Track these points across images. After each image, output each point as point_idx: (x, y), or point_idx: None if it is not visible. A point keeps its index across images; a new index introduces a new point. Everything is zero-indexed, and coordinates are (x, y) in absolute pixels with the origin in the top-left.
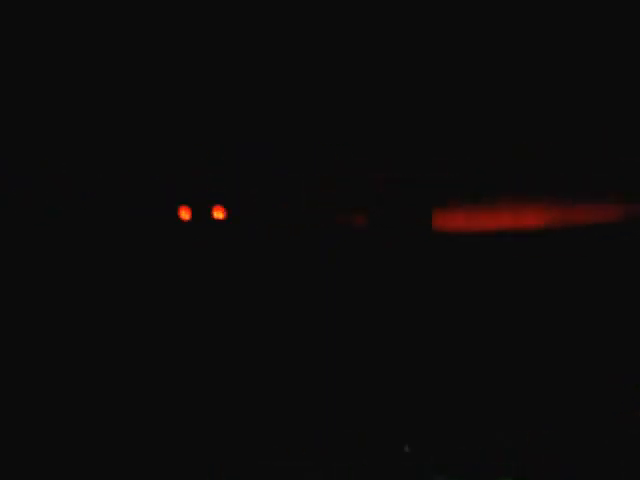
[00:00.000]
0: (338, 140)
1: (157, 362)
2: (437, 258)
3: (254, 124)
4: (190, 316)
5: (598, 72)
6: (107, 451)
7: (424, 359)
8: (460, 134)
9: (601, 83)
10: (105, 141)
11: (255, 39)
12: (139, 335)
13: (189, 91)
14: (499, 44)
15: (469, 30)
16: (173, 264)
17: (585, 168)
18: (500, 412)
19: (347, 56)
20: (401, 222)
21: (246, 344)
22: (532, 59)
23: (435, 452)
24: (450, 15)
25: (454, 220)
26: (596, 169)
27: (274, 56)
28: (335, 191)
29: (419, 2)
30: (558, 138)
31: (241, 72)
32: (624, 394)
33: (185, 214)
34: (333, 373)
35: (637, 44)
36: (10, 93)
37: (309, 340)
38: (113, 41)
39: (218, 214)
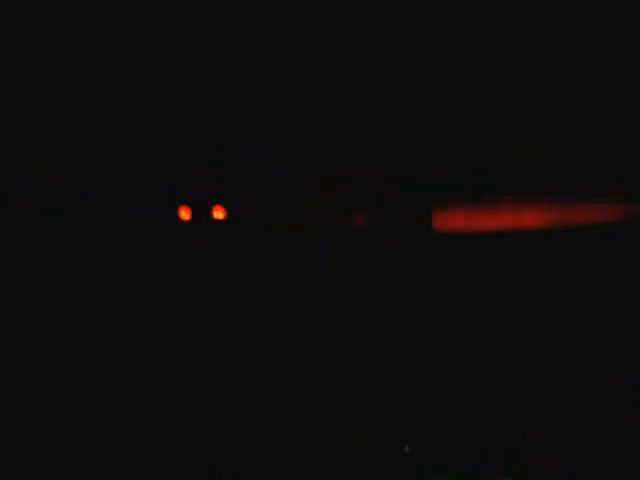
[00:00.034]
0: (338, 140)
1: (157, 362)
2: (437, 258)
3: (254, 124)
4: (190, 316)
5: (598, 72)
6: (107, 451)
7: (424, 359)
8: (460, 134)
9: (601, 83)
10: (105, 141)
11: (255, 39)
12: (139, 335)
13: (189, 91)
14: (499, 44)
15: (469, 30)
16: (173, 264)
17: (585, 168)
18: (500, 412)
19: (347, 56)
20: (401, 222)
21: (246, 344)
22: (532, 59)
23: (435, 452)
24: (450, 15)
25: (454, 220)
26: (596, 169)
27: (274, 56)
28: (335, 191)
29: (419, 2)
30: (558, 138)
31: (241, 72)
32: (624, 394)
33: (185, 214)
34: (333, 373)
35: (637, 44)
36: (10, 93)
37: (309, 340)
38: (113, 41)
39: (218, 214)
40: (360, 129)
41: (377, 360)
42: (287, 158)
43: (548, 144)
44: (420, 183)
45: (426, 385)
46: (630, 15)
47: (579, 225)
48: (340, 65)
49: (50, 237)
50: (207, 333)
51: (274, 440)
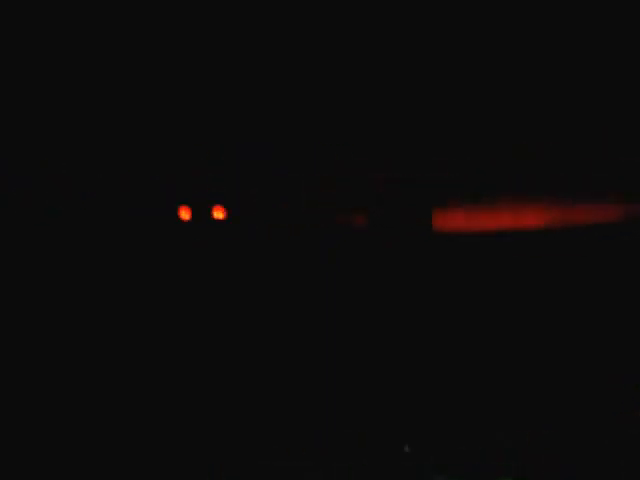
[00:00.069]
0: (338, 140)
1: (157, 362)
2: (437, 258)
3: (254, 124)
4: (190, 316)
5: (598, 72)
6: (107, 451)
7: (424, 359)
8: (460, 134)
9: (601, 83)
10: (105, 141)
11: (255, 39)
12: (139, 335)
13: (189, 91)
14: (499, 44)
15: (469, 30)
16: (173, 264)
17: (585, 168)
18: (500, 412)
19: (347, 56)
20: (401, 222)
21: (246, 344)
22: (532, 59)
23: (435, 452)
24: (450, 15)
25: (454, 220)
26: (596, 169)
27: (274, 56)
28: (335, 191)
29: (419, 2)
30: (558, 138)
31: (241, 72)
32: (624, 394)
33: (185, 214)
34: (333, 373)
35: (637, 44)
36: (10, 93)
37: (309, 340)
38: (112, 41)
39: (218, 214)
40: (360, 129)
41: (377, 360)
42: (287, 158)
43: (548, 144)
44: (420, 183)
45: (426, 385)
46: (630, 15)
47: (579, 225)
48: (340, 65)
49: (50, 237)
50: (207, 333)
51: (274, 440)
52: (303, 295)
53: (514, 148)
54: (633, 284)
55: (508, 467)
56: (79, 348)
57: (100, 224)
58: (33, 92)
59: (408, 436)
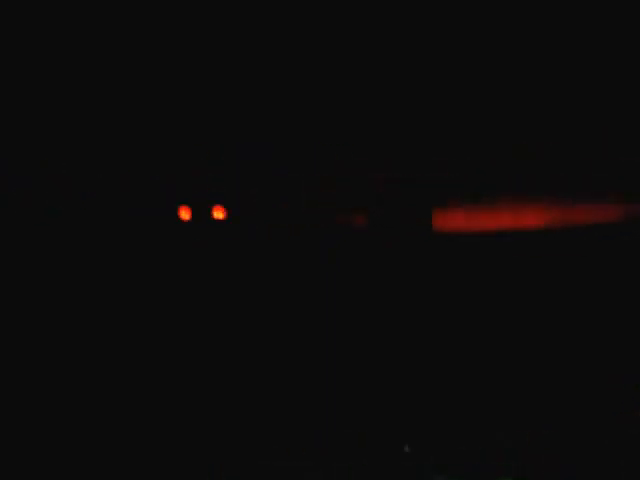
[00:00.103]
0: (338, 140)
1: (157, 362)
2: (437, 258)
3: (254, 124)
4: (190, 316)
5: (598, 72)
6: (107, 451)
7: (424, 359)
8: (460, 134)
9: (601, 83)
10: (105, 141)
11: (255, 39)
12: (139, 335)
13: (189, 91)
14: (499, 44)
15: (469, 30)
16: (173, 264)
17: (585, 168)
18: (500, 412)
19: (347, 56)
20: (401, 222)
21: (246, 344)
22: (532, 59)
23: (435, 452)
24: (450, 15)
25: (454, 220)
26: (596, 169)
27: (274, 56)
28: (335, 191)
29: (419, 2)
30: (558, 138)
31: (241, 72)
32: (624, 394)
33: (185, 214)
34: (333, 373)
35: (637, 44)
36: (10, 93)
37: (309, 340)
38: (112, 41)
39: (218, 214)
40: (360, 129)
41: (377, 360)
42: (287, 158)
43: (548, 144)
44: (420, 183)
45: (426, 385)
46: (630, 15)
47: (579, 225)
48: (340, 65)
49: (50, 237)
50: (207, 333)
51: (274, 440)
52: (303, 295)
53: (514, 148)
54: (633, 284)
55: (508, 467)
56: (79, 348)
57: (100, 224)
58: (33, 92)
59: (408, 436)
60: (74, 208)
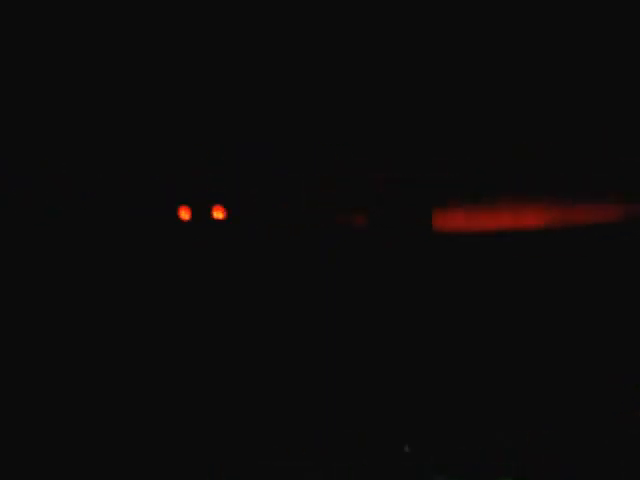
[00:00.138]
0: (338, 140)
1: (157, 362)
2: (437, 258)
3: (254, 124)
4: (190, 316)
5: (598, 72)
6: (107, 451)
7: (424, 359)
8: (460, 134)
9: (601, 83)
10: (105, 141)
11: (255, 39)
12: (139, 334)
13: (189, 91)
14: (499, 44)
15: (469, 30)
16: (173, 264)
17: (585, 168)
18: (500, 412)
19: (347, 56)
20: (401, 222)
21: (246, 344)
22: (532, 59)
23: (435, 452)
24: (450, 15)
25: (454, 220)
26: (596, 169)
27: (274, 56)
28: (335, 191)
29: (419, 2)
30: (558, 138)
31: (241, 72)
32: (624, 394)
33: (185, 214)
34: (333, 373)
35: (637, 44)
36: (10, 93)
37: (309, 340)
38: (113, 41)
39: (218, 214)
40: (360, 129)
41: (377, 360)
42: (287, 158)
43: (548, 144)
44: (420, 183)
45: (426, 385)
46: (630, 15)
47: (579, 225)
48: (340, 65)
49: (50, 237)
50: (207, 333)
51: (274, 440)
52: (303, 295)
53: (514, 148)
54: (633, 284)
55: (508, 467)
56: (79, 348)
57: (100, 224)
58: (33, 92)
59: (408, 436)
60: (74, 208)
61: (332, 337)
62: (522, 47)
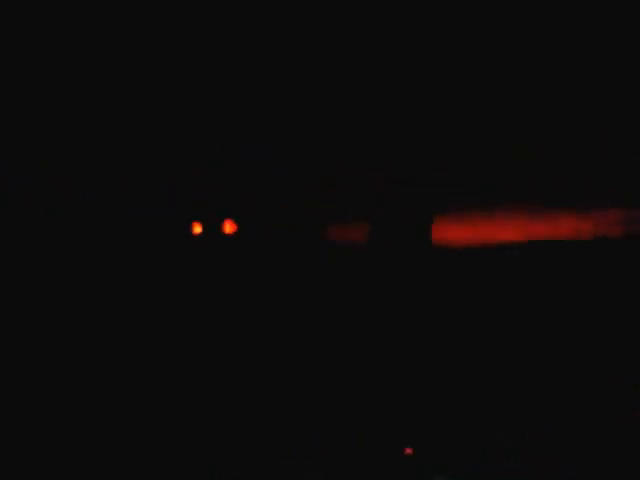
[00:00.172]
0: (338, 140)
1: (157, 362)
2: (437, 258)
3: (254, 124)
4: (189, 315)
5: (598, 72)
6: (107, 451)
7: (425, 359)
8: (460, 134)
9: (601, 83)
10: (104, 141)
11: (255, 39)
12: (138, 334)
13: (187, 87)
14: (500, 44)
15: (469, 30)
16: (173, 264)
17: (585, 168)
18: (500, 412)
19: (347, 56)
20: (401, 222)
21: (245, 344)
22: (532, 59)
23: (435, 452)
24: (450, 15)
25: (455, 228)
26: (596, 169)
27: (274, 56)
28: (335, 191)
29: (419, 2)
30: (558, 138)
31: (241, 72)
32: (624, 394)
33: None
34: (334, 374)
35: (637, 44)
36: (10, 93)
37: (309, 340)
38: (113, 41)
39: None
40: (360, 129)
41: (377, 360)
42: (287, 158)
43: (548, 144)
44: (420, 183)
45: (426, 386)
46: (630, 15)
47: (583, 236)
48: (340, 65)
49: (50, 237)
50: (206, 332)
51: (274, 440)
52: (303, 295)
53: (514, 148)
54: (633, 284)
55: (508, 467)
56: (80, 350)
57: (100, 224)
58: (33, 92)
59: (408, 436)
60: (74, 208)
61: (333, 337)
62: (522, 47)
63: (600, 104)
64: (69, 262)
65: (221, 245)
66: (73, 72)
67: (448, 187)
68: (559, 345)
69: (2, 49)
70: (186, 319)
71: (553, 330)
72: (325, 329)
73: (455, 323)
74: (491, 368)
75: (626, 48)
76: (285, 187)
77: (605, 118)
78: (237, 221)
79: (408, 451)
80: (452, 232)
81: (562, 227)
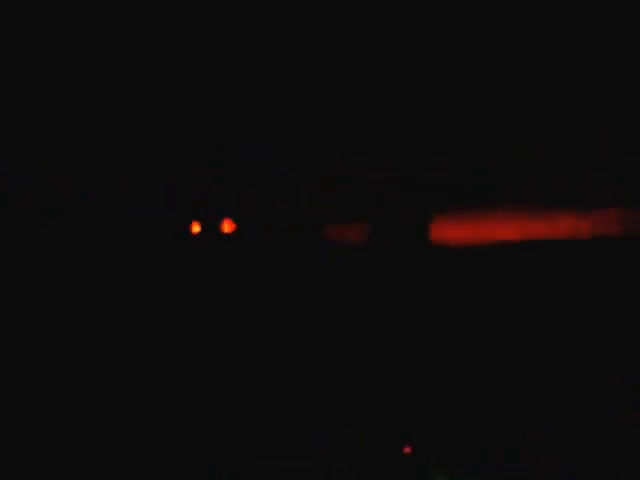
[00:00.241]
0: (338, 140)
1: (157, 362)
2: (437, 258)
3: (253, 124)
4: (188, 314)
5: (598, 72)
6: (107, 451)
7: (424, 359)
8: (460, 134)
9: (600, 83)
10: (104, 142)
11: (255, 39)
12: (138, 333)
13: (187, 87)
14: (499, 44)
15: (469, 30)
16: (172, 264)
17: (585, 168)
18: (500, 412)
19: (347, 56)
20: (401, 222)
21: (245, 343)
22: (532, 59)
23: (435, 452)
24: (449, 14)
25: (455, 228)
26: (596, 169)
27: (274, 56)
28: (335, 191)
29: (419, 2)
30: (558, 138)
31: (240, 72)
32: (624, 394)
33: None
34: (333, 374)
35: (637, 44)
36: (10, 93)
37: (309, 340)
38: (113, 41)
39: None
40: (360, 129)
41: (377, 360)
42: (287, 158)
43: (548, 144)
44: (420, 183)
45: (426, 386)
46: (630, 15)
47: (583, 235)
48: (340, 65)
49: (50, 237)
50: (205, 332)
51: (274, 440)
52: (302, 295)
53: (514, 148)
54: (633, 284)
55: (508, 467)
56: (79, 349)
57: (100, 224)
58: (33, 92)
59: (408, 436)
60: (74, 209)
61: (332, 337)
62: (522, 47)
63: (600, 104)
64: (69, 262)
65: (220, 245)
66: (73, 72)
67: (448, 187)
68: (559, 345)
69: (2, 49)
70: (185, 318)
71: (553, 330)
72: (325, 329)
73: (455, 323)
74: (491, 368)
75: (626, 48)
76: (285, 187)
77: (605, 118)
78: (236, 220)
79: (407, 450)
80: (452, 232)
81: (561, 227)
